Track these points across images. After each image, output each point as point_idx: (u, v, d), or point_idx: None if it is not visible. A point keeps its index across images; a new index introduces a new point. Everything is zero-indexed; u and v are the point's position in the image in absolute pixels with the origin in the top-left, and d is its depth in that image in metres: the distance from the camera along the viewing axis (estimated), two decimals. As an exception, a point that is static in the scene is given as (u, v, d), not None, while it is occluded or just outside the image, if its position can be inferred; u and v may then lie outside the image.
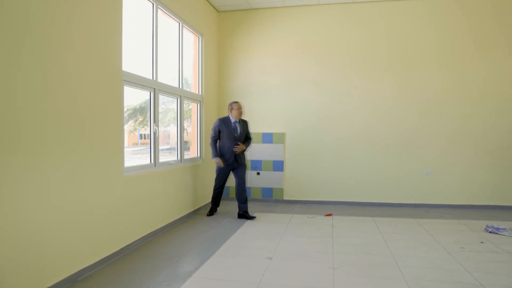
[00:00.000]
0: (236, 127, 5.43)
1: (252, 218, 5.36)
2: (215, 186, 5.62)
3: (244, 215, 5.40)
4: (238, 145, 5.38)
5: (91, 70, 3.32)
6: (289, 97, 6.64)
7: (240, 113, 5.46)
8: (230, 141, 5.36)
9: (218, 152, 5.42)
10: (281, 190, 6.71)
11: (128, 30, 4.12)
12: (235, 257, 3.78)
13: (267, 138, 6.75)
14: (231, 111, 5.46)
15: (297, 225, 5.03)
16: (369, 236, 4.50)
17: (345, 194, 6.47)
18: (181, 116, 5.49)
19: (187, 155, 5.93)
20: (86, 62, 3.26)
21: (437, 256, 3.77)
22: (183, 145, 5.56)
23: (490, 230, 4.63)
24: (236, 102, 5.47)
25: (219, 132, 5.40)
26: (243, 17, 6.84)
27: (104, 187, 3.53)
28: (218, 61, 6.95)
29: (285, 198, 6.63)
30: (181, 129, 5.49)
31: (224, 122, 5.42)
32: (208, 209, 5.78)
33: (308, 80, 6.61)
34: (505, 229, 4.57)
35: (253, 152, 6.76)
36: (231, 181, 6.84)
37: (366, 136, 6.44)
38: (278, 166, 6.71)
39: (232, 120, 5.43)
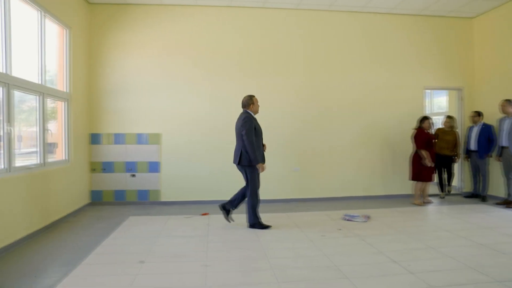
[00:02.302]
0: (258, 123, 4.90)
1: (267, 227, 4.88)
2: (257, 191, 4.81)
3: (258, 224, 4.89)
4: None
5: None
6: (166, 97, 6.53)
7: (258, 107, 4.95)
8: (260, 139, 4.82)
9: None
10: (157, 192, 6.56)
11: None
12: (104, 264, 3.58)
13: (142, 139, 6.52)
14: (251, 106, 4.83)
15: (173, 226, 4.99)
16: (242, 232, 4.71)
17: (222, 193, 6.52)
18: (44, 115, 4.96)
19: (52, 158, 5.39)
20: None
21: (302, 245, 4.14)
22: (46, 147, 5.04)
23: (347, 218, 5.28)
24: (254, 96, 4.90)
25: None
26: (117, 12, 6.49)
27: None
28: (89, 57, 6.46)
29: (162, 199, 6.51)
30: (44, 130, 4.96)
31: (253, 118, 4.77)
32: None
33: (184, 81, 6.60)
34: (358, 216, 5.27)
35: (127, 154, 6.47)
36: (103, 185, 6.45)
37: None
38: (154, 167, 6.54)
39: (254, 115, 4.88)
